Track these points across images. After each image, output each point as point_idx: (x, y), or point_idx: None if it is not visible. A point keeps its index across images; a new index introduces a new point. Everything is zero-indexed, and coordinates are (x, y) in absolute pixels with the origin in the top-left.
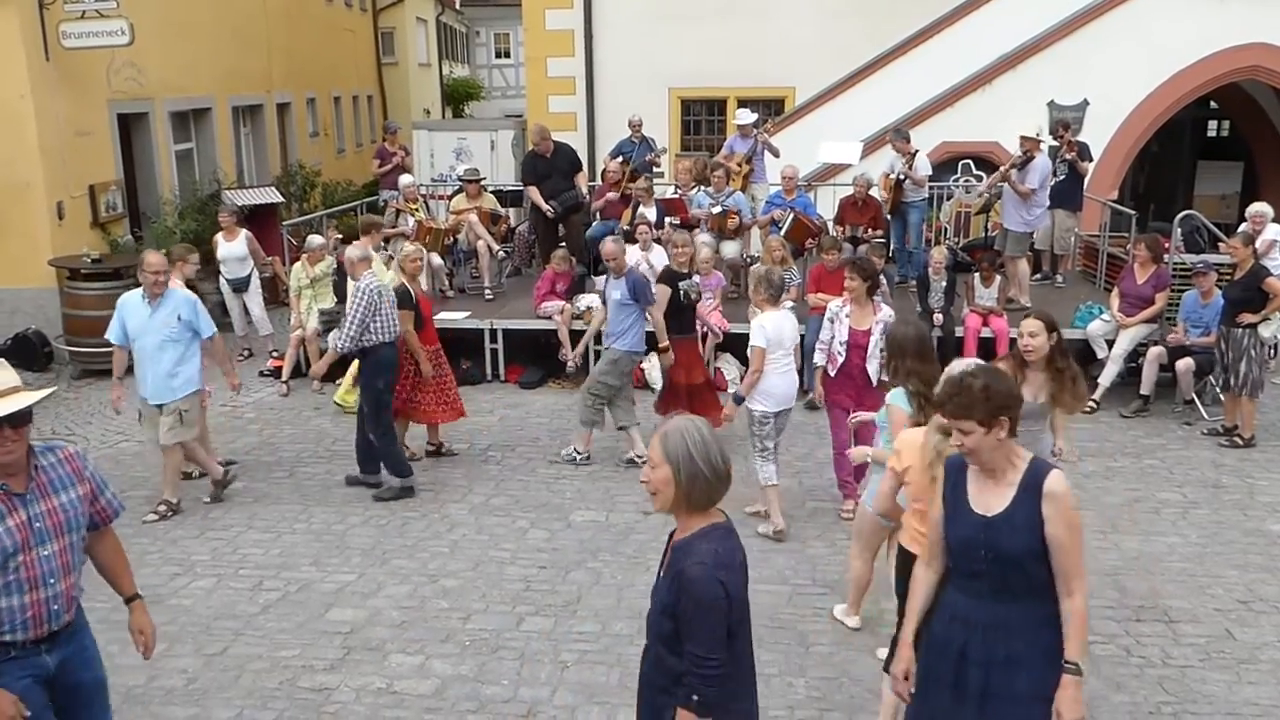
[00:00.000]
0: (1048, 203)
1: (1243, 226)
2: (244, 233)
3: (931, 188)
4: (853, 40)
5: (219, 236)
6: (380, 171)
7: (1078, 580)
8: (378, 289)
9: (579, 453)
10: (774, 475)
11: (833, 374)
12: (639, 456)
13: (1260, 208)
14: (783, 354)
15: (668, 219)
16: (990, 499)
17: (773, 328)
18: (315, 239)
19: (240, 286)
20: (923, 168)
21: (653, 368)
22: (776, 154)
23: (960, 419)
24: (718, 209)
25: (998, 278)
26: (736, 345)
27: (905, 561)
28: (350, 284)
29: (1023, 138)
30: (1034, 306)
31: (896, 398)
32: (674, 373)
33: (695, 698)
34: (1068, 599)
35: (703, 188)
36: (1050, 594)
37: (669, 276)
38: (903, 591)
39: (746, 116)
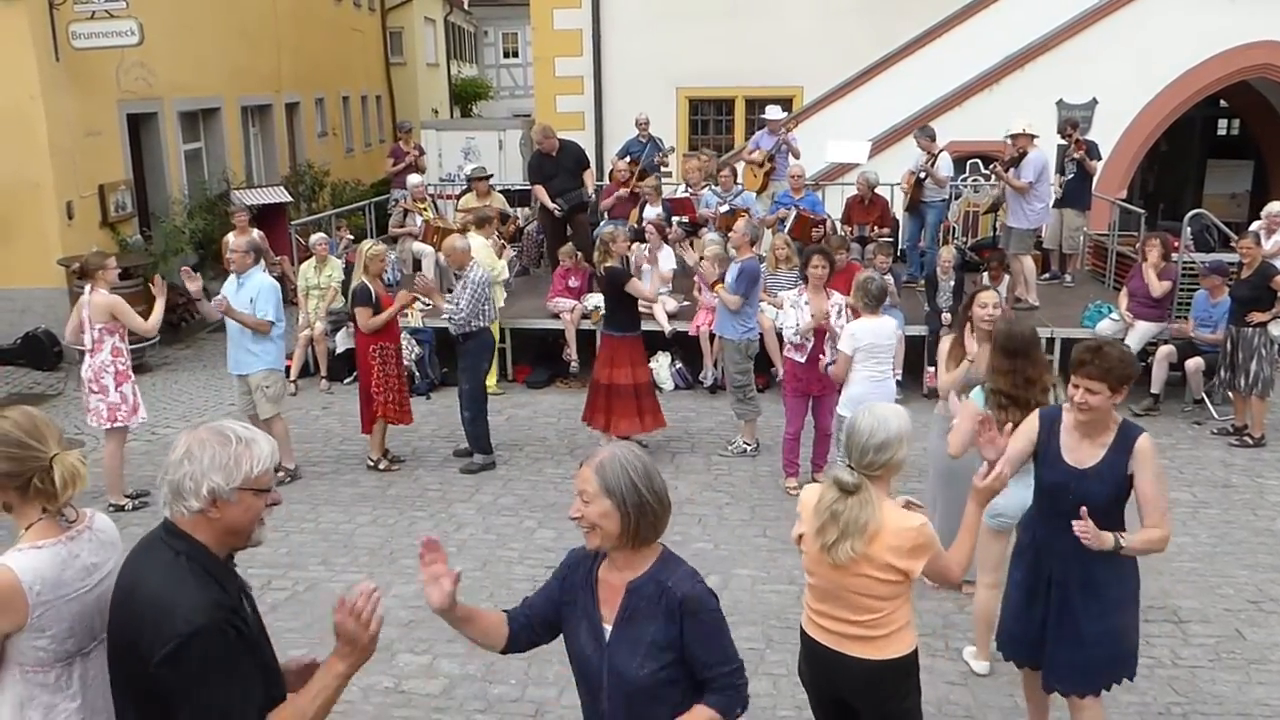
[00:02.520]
0: (1050, 198)
1: (1254, 225)
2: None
3: None
4: (860, 40)
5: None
6: (393, 171)
7: (1162, 519)
8: (486, 277)
9: (748, 444)
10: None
11: (802, 360)
12: (747, 444)
13: (1277, 207)
14: (874, 362)
15: (675, 219)
16: (1083, 453)
17: (864, 336)
18: (318, 237)
19: None
20: (945, 167)
21: (660, 367)
22: (797, 155)
23: (1094, 380)
24: (725, 208)
25: (1006, 277)
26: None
27: (809, 650)
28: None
29: (1013, 136)
30: (1042, 306)
31: (976, 395)
32: (598, 371)
33: (739, 710)
34: (1153, 530)
35: (711, 187)
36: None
37: (622, 273)
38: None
39: (776, 113)
